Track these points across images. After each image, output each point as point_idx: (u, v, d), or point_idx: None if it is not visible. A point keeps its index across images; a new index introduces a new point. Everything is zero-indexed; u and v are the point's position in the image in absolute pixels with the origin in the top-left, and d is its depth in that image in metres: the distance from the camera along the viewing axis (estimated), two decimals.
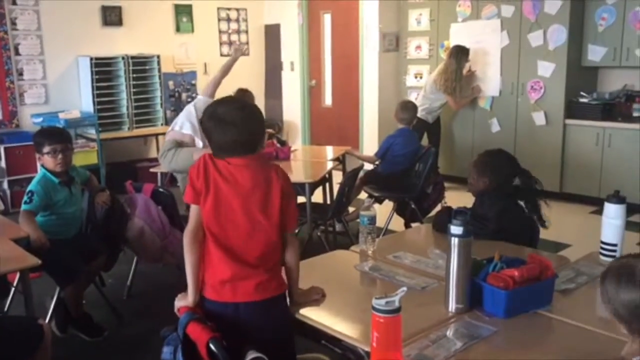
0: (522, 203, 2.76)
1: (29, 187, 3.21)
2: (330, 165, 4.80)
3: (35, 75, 6.31)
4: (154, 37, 6.99)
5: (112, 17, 6.70)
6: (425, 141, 6.07)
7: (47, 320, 3.17)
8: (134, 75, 6.58)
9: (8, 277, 2.92)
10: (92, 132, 6.26)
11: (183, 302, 1.96)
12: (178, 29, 7.29)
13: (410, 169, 4.78)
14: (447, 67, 6.09)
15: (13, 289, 3.11)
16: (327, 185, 5.01)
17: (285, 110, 8.22)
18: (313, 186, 4.39)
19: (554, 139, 5.90)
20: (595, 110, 5.67)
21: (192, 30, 7.42)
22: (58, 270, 3.13)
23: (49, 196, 3.20)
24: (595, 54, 5.71)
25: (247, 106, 2.04)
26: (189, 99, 7.09)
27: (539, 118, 5.98)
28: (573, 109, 5.81)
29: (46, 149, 3.23)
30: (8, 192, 5.91)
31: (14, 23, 6.10)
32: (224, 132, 1.91)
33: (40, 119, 6.13)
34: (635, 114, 5.56)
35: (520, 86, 6.09)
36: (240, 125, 1.92)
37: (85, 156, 6.10)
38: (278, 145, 5.01)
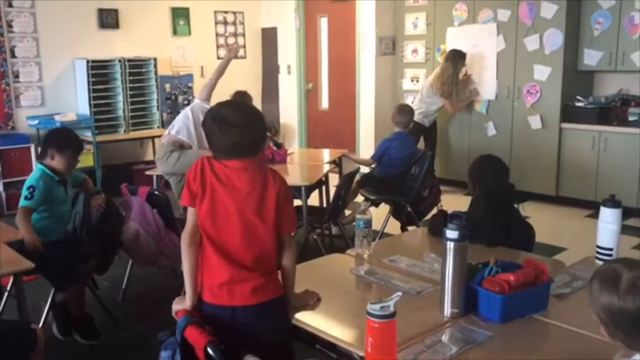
0: (518, 207, 2.76)
1: (30, 183, 3.19)
2: (326, 168, 4.80)
3: (31, 77, 6.30)
4: (151, 40, 6.98)
5: (108, 19, 6.69)
6: (421, 145, 6.08)
7: (41, 325, 3.15)
8: (131, 78, 6.57)
9: (1, 281, 2.90)
10: (88, 135, 6.24)
11: (181, 305, 1.95)
12: (175, 32, 7.29)
13: (406, 172, 4.78)
14: (444, 71, 6.10)
15: (6, 293, 3.10)
16: (324, 188, 5.01)
17: (282, 114, 8.22)
18: (309, 189, 4.38)
19: (549, 143, 5.91)
20: (591, 114, 5.68)
21: (189, 33, 7.41)
22: (56, 273, 3.11)
23: (49, 191, 3.21)
24: (591, 58, 5.72)
25: (251, 109, 2.06)
26: (186, 102, 7.09)
27: (535, 122, 5.99)
28: (569, 113, 5.82)
29: (69, 153, 3.31)
30: (3, 194, 5.89)
31: (10, 25, 6.08)
32: (227, 134, 1.92)
33: (36, 122, 6.12)
34: (630, 118, 5.57)
35: (517, 90, 6.10)
36: (243, 128, 1.93)
37: (81, 158, 6.05)
38: (274, 148, 5.00)
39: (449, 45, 6.46)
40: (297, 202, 4.77)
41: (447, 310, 1.94)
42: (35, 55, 6.28)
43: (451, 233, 1.89)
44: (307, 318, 1.97)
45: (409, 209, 4.66)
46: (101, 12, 6.64)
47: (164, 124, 6.91)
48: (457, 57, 6.11)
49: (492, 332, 1.82)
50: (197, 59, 7.47)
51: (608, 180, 5.46)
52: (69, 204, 3.39)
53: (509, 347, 1.81)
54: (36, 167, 3.33)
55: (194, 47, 7.46)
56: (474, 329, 1.84)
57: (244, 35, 8.02)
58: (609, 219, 2.31)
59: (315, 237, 4.61)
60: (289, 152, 5.05)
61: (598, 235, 2.36)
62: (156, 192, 3.57)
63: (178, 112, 6.46)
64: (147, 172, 4.74)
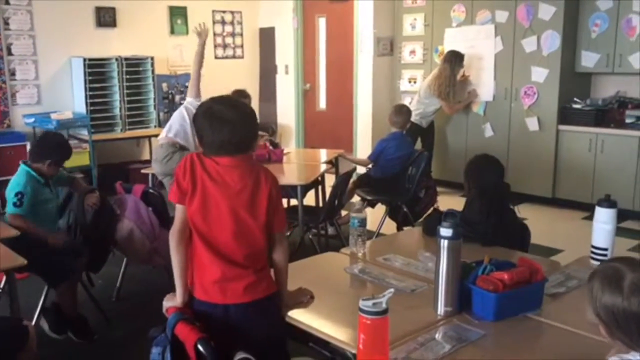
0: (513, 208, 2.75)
1: (17, 188, 3.20)
2: (323, 168, 4.79)
3: (27, 75, 6.28)
4: (148, 39, 6.97)
5: (106, 18, 6.68)
6: (419, 146, 6.07)
7: (33, 322, 3.14)
8: (128, 76, 6.55)
9: None
10: (84, 133, 6.23)
11: (171, 302, 1.94)
12: (172, 31, 7.28)
13: (402, 172, 4.76)
14: (442, 72, 6.09)
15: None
16: (320, 188, 4.99)
17: (280, 114, 8.21)
18: (305, 189, 4.37)
19: (547, 145, 5.90)
20: (589, 116, 5.68)
21: (187, 33, 7.38)
22: (49, 269, 3.10)
23: (36, 195, 3.22)
24: (588, 60, 5.73)
25: (243, 106, 2.03)
26: (182, 101, 7.07)
27: (532, 123, 5.98)
28: (566, 115, 5.82)
29: (63, 163, 3.36)
30: None
31: (6, 23, 6.07)
32: (218, 131, 1.89)
33: (32, 120, 6.10)
34: (628, 120, 5.57)
35: (514, 91, 6.09)
36: (235, 125, 1.91)
37: (77, 157, 6.04)
38: (271, 147, 4.99)
39: (446, 47, 6.45)
40: (293, 202, 4.80)
41: (441, 308, 1.92)
42: (32, 53, 6.27)
43: (445, 231, 1.88)
44: (301, 316, 1.96)
45: (405, 210, 4.65)
46: (99, 10, 6.63)
47: (161, 123, 6.90)
48: (455, 58, 6.11)
49: (485, 330, 1.81)
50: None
51: (605, 182, 5.46)
52: (55, 201, 3.41)
53: (502, 346, 1.80)
54: (21, 169, 3.30)
55: (192, 46, 7.35)
56: (468, 327, 1.83)
57: (241, 35, 8.02)
58: (604, 219, 2.31)
59: (310, 237, 4.60)
60: (285, 151, 5.03)
61: (593, 235, 2.35)
62: (151, 191, 3.56)
63: (175, 111, 6.50)
64: (142, 171, 4.72)
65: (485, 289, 1.87)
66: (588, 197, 5.57)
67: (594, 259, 2.34)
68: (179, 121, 4.31)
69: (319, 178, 4.76)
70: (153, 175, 4.51)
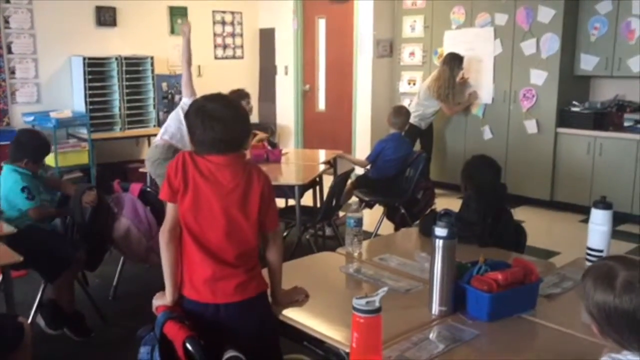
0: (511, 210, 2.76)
1: (21, 185, 3.25)
2: (321, 168, 4.79)
3: (27, 74, 6.28)
4: (148, 39, 6.97)
5: (106, 17, 6.69)
6: (417, 147, 6.07)
7: (30, 320, 3.14)
8: (127, 76, 6.55)
9: None
10: (83, 132, 6.22)
11: (161, 301, 1.94)
12: (172, 31, 7.28)
13: (400, 174, 4.77)
14: (441, 74, 6.10)
15: None
16: (318, 188, 4.99)
17: (279, 114, 8.21)
18: (303, 189, 4.37)
19: (545, 147, 5.91)
20: (587, 119, 5.68)
21: None
22: (48, 261, 3.12)
23: (36, 189, 3.28)
24: (587, 63, 5.73)
25: (235, 105, 2.03)
26: (181, 100, 7.08)
27: (530, 126, 5.99)
28: (565, 118, 5.82)
29: (43, 160, 3.45)
30: None
31: (7, 21, 6.07)
32: (210, 129, 1.89)
33: (31, 118, 6.10)
34: (626, 124, 5.58)
35: (513, 94, 6.10)
36: (227, 124, 1.90)
37: (76, 156, 6.07)
38: (269, 147, 5.00)
39: (446, 49, 6.46)
40: (290, 202, 4.80)
41: (435, 308, 1.93)
42: (31, 52, 6.27)
43: (440, 231, 1.89)
44: (295, 315, 1.96)
45: (402, 211, 4.66)
46: (99, 9, 6.63)
47: (160, 123, 6.88)
48: (454, 61, 6.11)
49: (479, 330, 1.81)
50: (195, 59, 7.32)
51: (603, 185, 5.46)
52: (45, 193, 3.44)
53: (495, 346, 1.80)
54: (6, 169, 3.33)
55: (192, 46, 7.41)
56: (462, 327, 1.83)
57: (241, 35, 8.02)
58: (599, 220, 2.31)
59: (308, 237, 4.60)
60: (283, 152, 5.04)
61: (588, 237, 2.36)
62: (148, 189, 3.56)
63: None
64: (141, 170, 4.72)
65: (480, 289, 1.87)
66: (586, 200, 5.57)
67: (589, 260, 2.34)
68: (175, 124, 4.29)
69: (317, 178, 4.76)
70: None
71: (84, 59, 6.25)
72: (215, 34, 7.74)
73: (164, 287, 1.96)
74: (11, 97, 6.21)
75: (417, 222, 4.58)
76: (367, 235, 4.38)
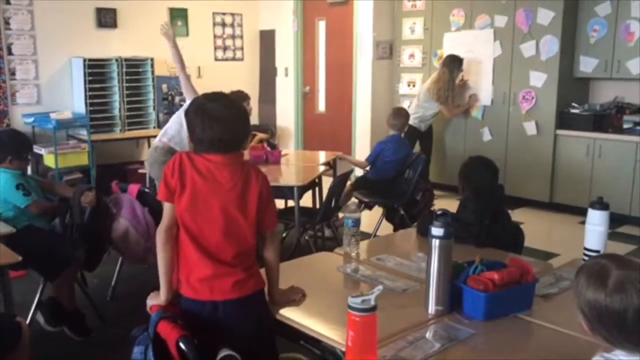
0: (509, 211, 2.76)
1: (14, 183, 3.26)
2: (321, 169, 4.79)
3: (27, 75, 6.30)
4: (149, 40, 6.96)
5: (106, 18, 6.70)
6: (417, 149, 6.07)
7: (29, 319, 3.14)
8: (127, 77, 6.56)
9: None
10: (83, 133, 6.23)
11: (155, 300, 1.94)
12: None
13: (400, 175, 4.78)
14: (441, 77, 6.10)
15: None
16: (317, 189, 5.00)
17: (279, 116, 8.22)
18: (302, 190, 4.37)
19: (544, 149, 5.91)
20: (586, 121, 5.69)
21: (187, 34, 7.42)
22: (48, 259, 3.12)
23: (28, 184, 3.31)
24: (586, 65, 5.74)
25: (235, 104, 2.03)
26: (182, 102, 7.08)
27: (530, 128, 5.99)
28: (564, 120, 5.83)
29: (27, 157, 3.43)
30: None
31: (7, 23, 6.09)
32: (209, 128, 1.89)
33: (31, 119, 6.12)
34: (625, 126, 5.58)
35: (512, 96, 6.11)
36: (226, 123, 1.91)
37: (76, 157, 6.07)
38: (268, 149, 5.00)
39: (445, 51, 6.47)
40: (290, 203, 4.80)
41: (432, 307, 1.93)
42: (32, 53, 6.29)
43: (436, 230, 1.89)
44: (292, 314, 1.96)
45: (401, 212, 4.66)
46: (99, 11, 6.65)
47: (160, 125, 6.90)
48: (454, 63, 6.12)
49: (475, 330, 1.82)
50: (195, 60, 7.46)
51: (602, 187, 5.46)
52: (40, 191, 3.45)
53: (491, 345, 1.80)
54: None
55: (192, 48, 7.44)
56: (458, 326, 1.84)
57: (241, 37, 8.04)
58: (596, 221, 2.31)
59: (307, 238, 4.61)
60: (283, 153, 5.04)
61: (585, 237, 2.36)
62: (147, 190, 3.56)
63: (174, 113, 6.51)
64: (140, 171, 4.73)
65: (476, 289, 1.87)
66: (585, 202, 5.50)
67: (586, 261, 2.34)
68: (176, 126, 4.30)
69: (316, 180, 4.77)
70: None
71: (84, 60, 6.27)
72: (215, 36, 7.76)
73: (160, 287, 1.97)
74: (11, 98, 6.23)
75: (416, 223, 4.60)
76: (367, 236, 4.38)
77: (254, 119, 7.94)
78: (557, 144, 5.87)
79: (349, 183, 4.74)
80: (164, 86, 7.18)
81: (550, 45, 5.76)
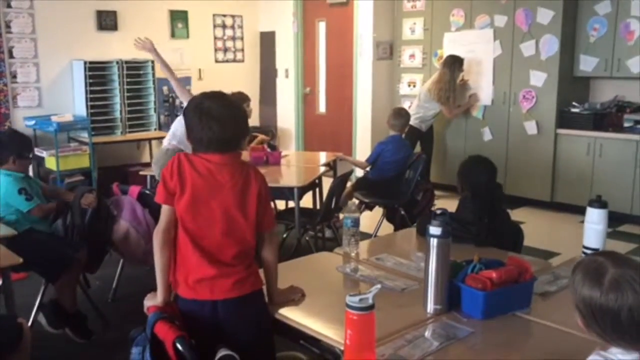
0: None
1: (17, 187, 3.26)
2: (321, 170, 4.80)
3: (28, 78, 6.31)
4: None
5: (107, 21, 6.72)
6: (418, 149, 6.08)
7: (30, 321, 3.15)
8: (128, 79, 6.57)
9: None
10: (84, 136, 6.25)
11: (152, 301, 1.94)
12: (173, 35, 7.31)
13: (400, 175, 4.78)
14: (442, 77, 6.11)
15: None
16: (317, 190, 5.01)
17: (280, 117, 8.23)
18: (302, 191, 4.38)
19: (545, 149, 5.91)
20: (587, 120, 5.68)
21: (187, 36, 7.44)
22: (49, 262, 3.13)
23: (31, 187, 3.32)
24: (587, 64, 5.74)
25: (234, 104, 2.03)
26: (182, 105, 7.10)
27: (530, 127, 5.99)
28: (565, 119, 5.83)
29: (28, 156, 3.44)
30: None
31: (8, 26, 6.10)
32: (208, 128, 1.89)
33: (32, 122, 6.13)
34: (626, 125, 5.58)
35: (513, 95, 6.11)
36: (224, 122, 1.91)
37: (77, 160, 6.09)
38: (269, 150, 5.01)
39: (446, 51, 6.48)
40: (290, 204, 4.81)
41: (430, 306, 1.93)
42: (33, 56, 6.30)
43: (434, 229, 1.90)
44: (291, 313, 1.97)
45: (402, 212, 4.67)
46: (100, 13, 6.66)
47: (161, 127, 6.93)
48: (455, 63, 6.12)
49: (474, 328, 1.82)
50: (195, 62, 7.50)
51: (603, 186, 5.45)
52: (42, 194, 3.45)
53: (490, 343, 1.81)
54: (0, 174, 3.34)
55: (192, 50, 7.48)
56: (456, 325, 1.84)
57: (242, 38, 8.05)
58: (595, 219, 2.32)
59: (307, 239, 4.61)
60: (284, 154, 5.05)
61: (584, 235, 2.37)
62: (147, 192, 3.57)
63: (176, 115, 6.52)
64: (140, 173, 4.74)
65: (474, 287, 1.87)
66: (586, 201, 5.51)
67: None
68: (182, 129, 4.32)
69: (317, 180, 4.78)
70: (151, 177, 4.52)
71: (85, 62, 6.28)
72: (215, 38, 7.77)
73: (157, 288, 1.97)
74: (12, 101, 6.24)
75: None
76: (367, 236, 4.38)
77: (254, 121, 7.95)
78: (558, 143, 5.86)
79: (349, 184, 4.75)
80: (165, 88, 7.18)
81: (550, 45, 5.76)
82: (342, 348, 1.72)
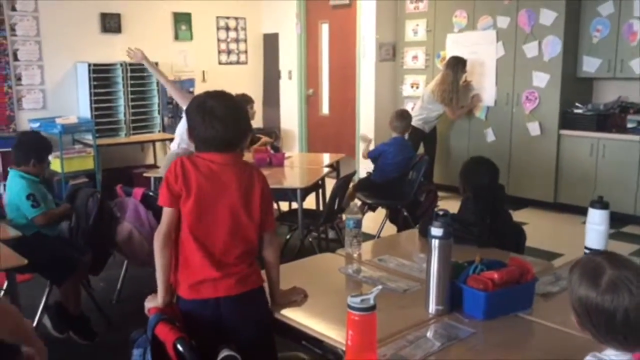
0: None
1: (26, 192, 3.25)
2: (324, 171, 4.81)
3: (33, 80, 6.35)
4: (153, 45, 6.98)
5: (111, 23, 6.75)
6: (421, 150, 6.08)
7: (35, 323, 3.17)
8: (132, 82, 6.61)
9: None
10: (89, 138, 6.28)
11: (152, 303, 1.95)
12: (177, 37, 7.34)
13: (403, 176, 4.79)
14: (445, 78, 6.11)
15: (2, 291, 3.11)
16: (320, 191, 5.02)
17: (283, 119, 8.25)
18: (305, 192, 4.39)
19: (548, 149, 5.91)
20: (590, 121, 5.68)
21: (191, 38, 7.47)
22: (55, 265, 3.15)
23: (42, 194, 3.30)
24: (589, 65, 5.74)
25: (236, 104, 2.03)
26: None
27: (533, 128, 5.99)
28: (568, 120, 5.82)
29: (47, 159, 3.45)
30: (4, 195, 5.91)
31: (13, 29, 6.14)
32: (211, 127, 1.90)
33: (37, 124, 6.16)
34: (629, 125, 5.57)
35: (516, 96, 6.11)
36: (227, 122, 1.91)
37: (81, 162, 6.11)
38: (272, 151, 5.02)
39: (448, 52, 6.48)
40: (293, 205, 4.82)
41: (432, 307, 1.94)
42: (37, 59, 6.34)
43: (436, 230, 1.90)
44: (293, 314, 1.98)
45: (405, 214, 4.67)
46: (104, 16, 6.70)
47: (165, 129, 6.96)
48: (458, 64, 6.13)
49: (475, 329, 1.83)
50: (199, 64, 7.53)
51: (606, 187, 5.45)
52: (52, 201, 3.46)
53: (491, 344, 1.81)
54: (12, 174, 3.34)
55: (196, 52, 7.51)
56: (458, 325, 1.85)
57: (245, 40, 8.08)
58: (596, 220, 2.33)
59: (310, 240, 4.62)
60: (287, 155, 5.06)
61: (586, 237, 2.37)
62: (151, 194, 3.59)
63: (180, 117, 6.54)
64: (145, 174, 4.76)
65: (476, 288, 1.88)
66: (589, 202, 5.55)
67: None
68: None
69: (320, 181, 4.79)
70: (155, 178, 4.54)
71: (89, 65, 6.32)
72: (219, 40, 7.79)
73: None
74: (17, 104, 6.28)
75: None
76: (370, 238, 4.39)
77: (258, 122, 7.97)
78: (561, 144, 5.86)
79: (351, 185, 4.76)
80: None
81: (553, 46, 5.76)
82: (344, 348, 1.73)
